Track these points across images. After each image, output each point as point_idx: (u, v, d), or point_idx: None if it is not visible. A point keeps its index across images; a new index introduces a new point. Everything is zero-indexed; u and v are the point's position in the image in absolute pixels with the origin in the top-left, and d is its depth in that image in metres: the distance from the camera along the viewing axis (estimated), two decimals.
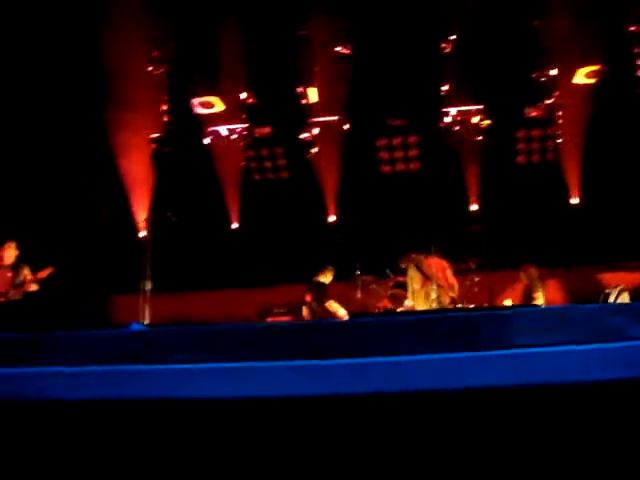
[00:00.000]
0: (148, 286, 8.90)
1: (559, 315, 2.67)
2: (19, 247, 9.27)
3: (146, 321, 8.68)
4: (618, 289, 8.34)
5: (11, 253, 9.21)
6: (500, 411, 2.41)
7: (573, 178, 12.32)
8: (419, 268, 9.31)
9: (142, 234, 11.19)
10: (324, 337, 2.71)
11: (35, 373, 2.65)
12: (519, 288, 10.49)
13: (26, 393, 2.58)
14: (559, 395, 2.38)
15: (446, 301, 9.11)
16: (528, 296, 10.18)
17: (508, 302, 10.27)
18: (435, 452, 2.41)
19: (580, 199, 12.34)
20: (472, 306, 9.81)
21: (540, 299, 10.03)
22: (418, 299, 9.21)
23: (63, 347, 2.79)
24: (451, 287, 9.19)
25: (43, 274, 9.06)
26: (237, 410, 2.50)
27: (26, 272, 9.15)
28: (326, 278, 9.88)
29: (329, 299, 9.59)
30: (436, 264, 9.25)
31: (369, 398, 2.44)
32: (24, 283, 9.05)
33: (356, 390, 2.44)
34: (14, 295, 8.95)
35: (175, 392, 2.53)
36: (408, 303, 9.68)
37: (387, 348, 2.64)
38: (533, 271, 10.20)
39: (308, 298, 9.81)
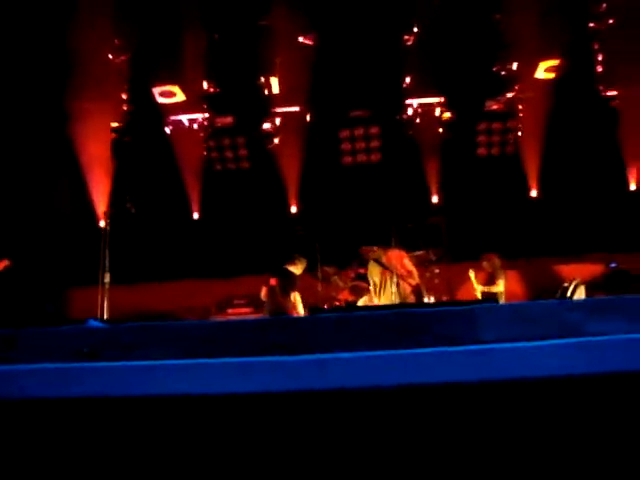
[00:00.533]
0: (106, 279, 8.76)
1: (520, 311, 2.69)
2: None
3: (105, 315, 8.55)
4: (574, 283, 8.46)
5: None
6: (462, 407, 2.42)
7: (532, 171, 12.47)
8: (378, 262, 9.29)
9: (101, 224, 11.05)
10: (285, 333, 2.69)
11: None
12: (480, 275, 10.58)
13: None
14: (520, 391, 2.40)
15: (407, 290, 9.10)
16: (490, 281, 10.28)
17: (472, 274, 10.30)
18: (396, 448, 2.41)
19: (539, 192, 12.48)
20: (432, 300, 9.87)
21: (501, 286, 10.14)
22: (380, 293, 9.20)
23: (20, 344, 2.74)
24: (410, 275, 9.17)
25: None
26: (196, 407, 2.48)
27: None
28: (296, 269, 9.67)
29: (295, 291, 9.43)
30: (395, 255, 9.22)
31: (331, 394, 2.43)
32: None
33: (318, 386, 2.42)
34: None
35: (133, 389, 2.49)
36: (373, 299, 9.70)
37: (349, 344, 2.64)
38: (496, 260, 10.30)
39: (273, 282, 9.57)
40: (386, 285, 9.11)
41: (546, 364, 2.39)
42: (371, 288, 9.44)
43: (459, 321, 2.65)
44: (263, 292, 9.69)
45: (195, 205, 13.14)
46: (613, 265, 11.01)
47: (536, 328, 2.60)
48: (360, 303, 9.88)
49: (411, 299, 8.97)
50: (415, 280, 9.20)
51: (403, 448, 2.42)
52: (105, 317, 8.54)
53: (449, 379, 2.39)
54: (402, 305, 7.86)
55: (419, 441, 2.42)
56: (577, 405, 2.38)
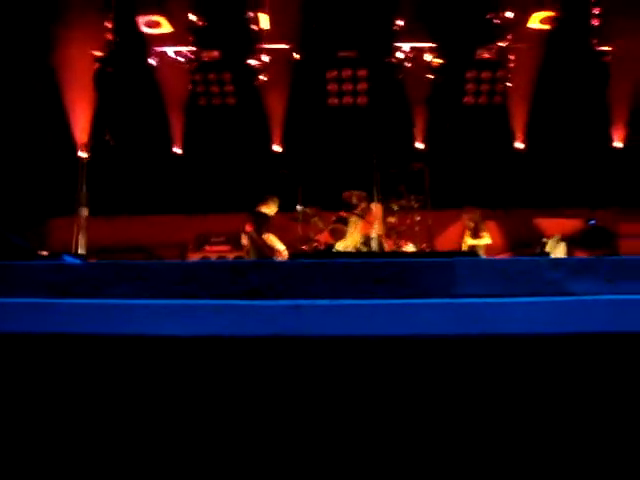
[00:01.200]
0: (84, 213, 8.68)
1: (500, 267, 2.67)
2: None
3: (80, 249, 8.50)
4: (555, 239, 8.50)
5: None
6: (434, 359, 2.42)
7: (519, 122, 12.43)
8: (361, 217, 9.30)
9: (81, 155, 10.92)
10: (261, 276, 2.66)
11: None
12: (459, 228, 10.62)
13: None
14: (494, 346, 2.39)
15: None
16: (474, 235, 10.35)
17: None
18: (371, 401, 2.41)
19: (524, 144, 12.46)
20: (411, 247, 9.89)
21: (487, 238, 10.23)
22: (356, 240, 9.22)
23: None
24: (372, 223, 9.17)
25: None
26: (167, 348, 2.46)
27: None
28: (269, 209, 9.66)
29: (269, 232, 9.44)
30: (375, 209, 9.25)
31: (304, 340, 2.42)
32: None
33: (291, 331, 2.41)
34: None
35: (104, 328, 2.46)
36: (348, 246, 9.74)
37: (326, 291, 2.62)
38: (477, 214, 10.35)
39: (248, 228, 9.62)
40: (365, 238, 9.14)
41: (522, 321, 2.39)
42: (348, 231, 9.46)
43: (437, 273, 2.63)
44: (244, 241, 9.72)
45: (178, 139, 13.00)
46: (592, 222, 11.06)
47: (516, 285, 2.59)
48: (337, 246, 9.89)
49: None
50: (377, 229, 9.19)
51: (375, 399, 2.42)
52: (80, 252, 8.49)
53: (422, 331, 2.38)
54: (381, 254, 7.87)
55: (389, 393, 2.42)
56: (552, 365, 2.38)
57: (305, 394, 2.44)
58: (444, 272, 2.63)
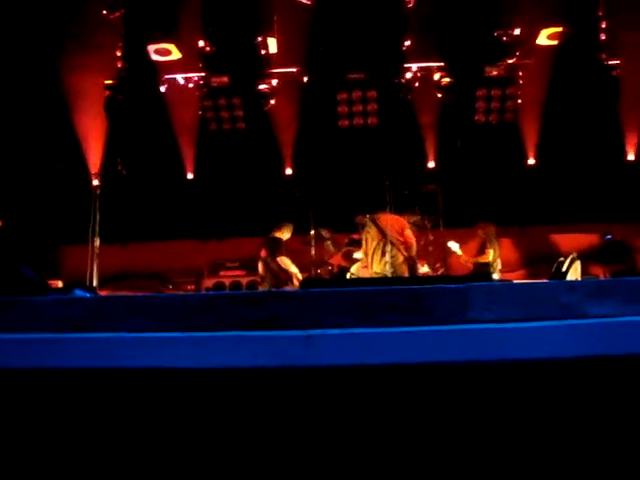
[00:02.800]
0: (96, 243, 8.70)
1: (516, 291, 2.63)
2: None
3: (95, 279, 8.52)
4: (570, 258, 8.41)
5: None
6: (450, 387, 2.38)
7: (530, 139, 12.41)
8: (375, 223, 9.22)
9: (95, 183, 10.97)
10: (273, 307, 2.64)
11: None
12: (473, 245, 10.57)
13: None
14: (511, 373, 2.36)
15: (400, 260, 9.04)
16: (480, 251, 10.28)
17: (453, 245, 10.27)
18: (383, 429, 2.38)
19: (536, 160, 12.42)
20: (425, 268, 9.84)
21: (490, 256, 10.12)
22: (373, 261, 9.14)
23: (5, 314, 2.68)
24: (408, 246, 9.10)
25: None
26: (180, 381, 2.44)
27: None
28: (283, 234, 9.75)
29: (282, 254, 9.47)
30: (392, 221, 9.14)
31: (317, 371, 2.39)
32: None
33: (304, 362, 2.39)
34: None
35: (119, 361, 2.45)
36: (357, 255, 9.66)
37: (339, 320, 2.59)
38: (491, 229, 10.28)
39: (263, 254, 9.69)
40: (379, 253, 9.04)
41: (539, 345, 2.35)
42: (362, 255, 9.39)
43: (451, 299, 2.60)
44: (259, 268, 9.78)
45: (189, 165, 13.06)
46: (608, 237, 10.99)
47: (531, 310, 2.55)
48: (353, 269, 9.87)
49: (403, 269, 8.93)
50: (411, 253, 9.12)
51: (388, 428, 2.38)
52: (93, 280, 8.52)
53: (437, 359, 2.35)
54: (393, 280, 7.77)
55: (406, 421, 2.38)
56: (571, 389, 2.35)
57: (320, 425, 2.42)
58: (458, 298, 2.60)
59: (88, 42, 11.30)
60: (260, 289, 9.84)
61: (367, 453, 2.38)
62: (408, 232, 9.17)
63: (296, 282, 9.27)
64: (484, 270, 9.88)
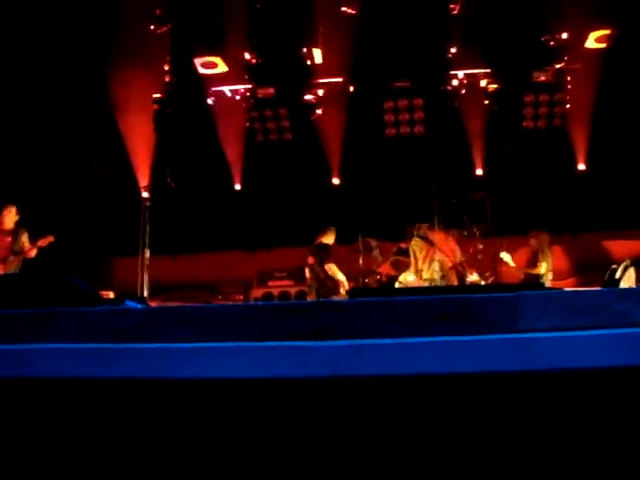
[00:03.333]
0: (147, 254, 8.82)
1: (567, 299, 2.59)
2: (19, 211, 9.18)
3: (145, 290, 8.64)
4: (624, 265, 8.23)
5: (11, 218, 9.12)
6: (502, 397, 2.36)
7: (580, 144, 12.22)
8: (422, 237, 9.21)
9: (144, 195, 11.13)
10: (322, 317, 2.64)
11: (34, 350, 2.59)
12: (524, 254, 10.44)
13: (24, 370, 2.53)
14: (561, 381, 2.32)
15: (448, 265, 9.03)
16: (532, 263, 10.15)
17: (505, 255, 10.18)
18: (433, 439, 2.36)
19: (587, 165, 12.23)
20: (475, 276, 9.75)
21: (542, 267, 10.00)
22: (422, 270, 9.12)
23: (54, 324, 2.73)
24: (452, 253, 9.08)
25: (43, 242, 8.96)
26: (231, 391, 2.45)
27: (24, 239, 9.05)
28: (328, 239, 9.73)
29: (331, 261, 9.46)
30: (440, 236, 9.15)
31: (366, 381, 2.38)
32: (22, 251, 8.98)
33: (352, 372, 2.38)
34: (12, 262, 8.90)
35: (170, 372, 2.47)
36: (410, 277, 9.63)
37: (387, 329, 2.58)
38: (545, 237, 10.15)
39: (310, 260, 9.69)
40: (428, 262, 9.03)
41: (590, 354, 2.31)
42: (412, 262, 9.38)
43: (501, 308, 2.57)
44: (307, 274, 9.79)
45: (237, 176, 13.16)
46: None
47: (583, 318, 2.51)
48: (401, 278, 9.83)
49: (452, 278, 8.90)
50: (457, 259, 9.10)
51: (439, 438, 2.36)
52: (144, 291, 8.63)
53: (487, 368, 2.32)
54: (443, 289, 7.74)
55: (457, 432, 2.36)
56: (625, 399, 2.30)
57: (370, 436, 2.41)
58: (508, 306, 2.57)
59: (136, 56, 11.46)
60: (308, 298, 9.87)
61: (422, 463, 2.36)
62: (451, 240, 9.17)
63: (343, 291, 9.27)
64: (535, 280, 9.75)
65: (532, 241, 10.26)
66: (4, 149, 11.16)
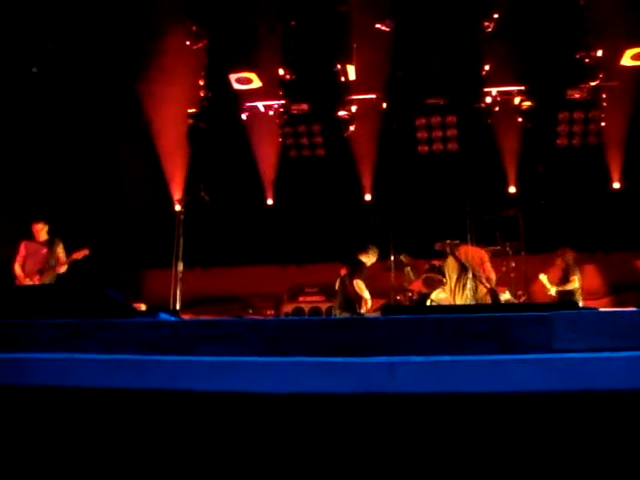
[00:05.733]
0: (180, 267, 8.88)
1: (601, 319, 2.57)
2: (51, 222, 9.33)
3: (178, 303, 8.68)
4: None
5: (43, 233, 9.29)
6: (538, 418, 2.34)
7: (615, 162, 12.11)
8: (456, 258, 9.14)
9: (177, 209, 11.22)
10: (356, 333, 2.65)
11: (63, 360, 2.62)
12: (555, 272, 10.36)
13: (53, 380, 2.56)
14: (594, 402, 2.30)
15: (483, 292, 8.95)
16: (564, 279, 10.08)
17: (543, 277, 10.17)
18: (467, 459, 2.34)
19: (622, 183, 12.11)
20: (507, 294, 9.67)
21: (576, 282, 9.94)
22: (456, 291, 9.05)
23: (86, 335, 2.76)
24: (488, 279, 9.00)
25: (78, 255, 9.09)
26: (262, 406, 2.46)
27: (59, 250, 9.20)
28: (368, 259, 9.64)
29: (360, 278, 9.40)
30: (473, 253, 9.06)
31: (400, 399, 2.38)
32: (57, 264, 9.11)
33: (386, 390, 2.37)
34: (47, 275, 9.02)
35: (199, 385, 2.48)
36: (441, 295, 9.58)
37: (421, 347, 2.58)
38: (571, 255, 10.09)
39: (343, 272, 9.66)
40: (462, 284, 8.96)
41: (627, 376, 2.28)
42: (446, 282, 9.32)
43: (536, 328, 2.56)
44: (336, 285, 9.75)
45: (269, 191, 13.22)
46: None
47: (618, 339, 2.48)
48: (433, 296, 9.78)
49: (487, 299, 8.83)
50: (491, 285, 9.01)
51: (473, 458, 2.35)
52: (177, 304, 8.67)
53: (522, 388, 2.30)
54: (476, 307, 7.69)
55: (490, 452, 2.34)
56: None
57: (404, 454, 2.39)
58: (543, 326, 2.55)
59: (172, 72, 11.59)
60: (332, 309, 9.89)
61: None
62: (488, 265, 9.07)
63: (365, 309, 9.22)
64: (568, 298, 9.69)
65: (559, 260, 10.22)
66: (42, 163, 11.33)
